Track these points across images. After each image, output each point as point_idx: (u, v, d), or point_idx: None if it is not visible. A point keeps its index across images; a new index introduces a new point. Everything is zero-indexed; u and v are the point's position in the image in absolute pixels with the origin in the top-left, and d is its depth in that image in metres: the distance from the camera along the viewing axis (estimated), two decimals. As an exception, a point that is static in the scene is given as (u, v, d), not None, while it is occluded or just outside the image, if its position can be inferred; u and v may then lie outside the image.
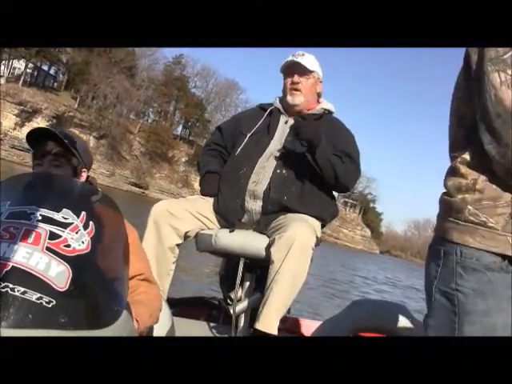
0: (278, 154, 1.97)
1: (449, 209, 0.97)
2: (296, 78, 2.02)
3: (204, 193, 2.03)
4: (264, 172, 1.94)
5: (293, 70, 2.03)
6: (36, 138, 1.26)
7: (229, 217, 1.94)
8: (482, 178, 0.94)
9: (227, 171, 2.02)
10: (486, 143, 0.90)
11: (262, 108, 2.12)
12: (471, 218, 0.93)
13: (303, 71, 2.03)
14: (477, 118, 0.92)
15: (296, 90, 2.02)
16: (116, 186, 45.48)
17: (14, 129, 41.16)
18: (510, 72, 0.87)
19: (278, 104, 2.09)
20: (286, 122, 2.06)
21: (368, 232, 73.35)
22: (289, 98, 2.03)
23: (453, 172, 0.99)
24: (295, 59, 2.02)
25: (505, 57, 0.88)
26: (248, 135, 2.03)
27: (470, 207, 0.93)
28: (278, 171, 1.95)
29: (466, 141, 0.97)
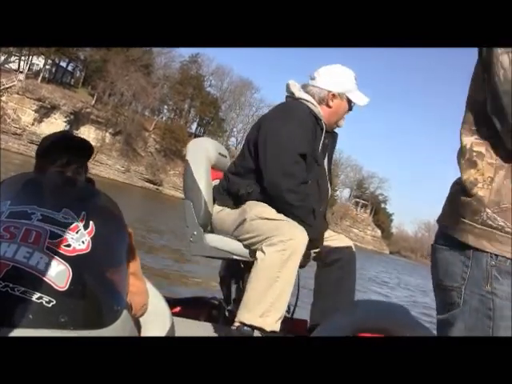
0: (328, 176, 2.10)
1: (464, 209, 0.92)
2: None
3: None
4: (327, 195, 2.10)
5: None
6: (58, 146, 1.28)
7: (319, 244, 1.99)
8: (500, 175, 0.90)
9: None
10: (497, 125, 0.88)
11: (320, 127, 2.01)
12: (489, 222, 0.89)
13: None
14: (487, 101, 0.90)
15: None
16: (131, 182, 45.97)
17: (33, 124, 41.90)
18: None
19: (325, 122, 2.02)
20: (329, 141, 2.08)
21: (378, 232, 72.82)
22: (343, 122, 2.09)
23: (470, 165, 0.93)
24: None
25: None
26: (322, 166, 2.03)
27: (488, 210, 0.89)
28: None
29: (484, 134, 0.93)
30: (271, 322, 1.72)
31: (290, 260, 1.74)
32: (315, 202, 1.94)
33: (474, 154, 0.93)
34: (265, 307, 1.72)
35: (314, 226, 1.88)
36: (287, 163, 1.86)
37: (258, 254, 1.78)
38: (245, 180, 1.96)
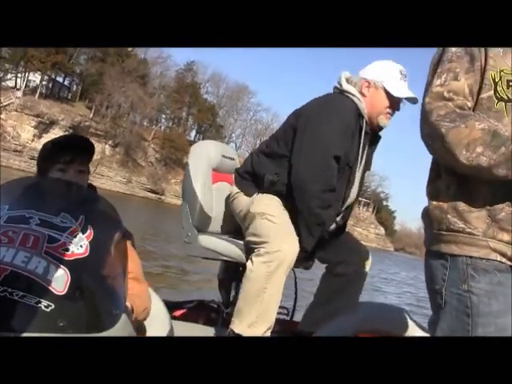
0: (360, 181, 2.00)
1: (432, 220, 0.98)
2: (399, 106, 1.93)
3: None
4: (348, 200, 1.99)
5: (402, 102, 1.92)
6: (61, 145, 1.29)
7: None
8: (455, 182, 0.96)
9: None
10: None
11: (360, 125, 1.89)
12: (451, 227, 0.95)
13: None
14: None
15: (392, 116, 1.94)
16: (133, 192, 46.03)
17: (33, 140, 42.04)
18: (438, 70, 0.95)
19: (367, 119, 1.89)
20: (368, 143, 1.95)
21: (382, 230, 72.54)
22: (384, 121, 1.92)
23: (434, 177, 1.01)
24: (414, 95, 1.88)
25: (443, 58, 0.95)
26: (353, 168, 1.91)
27: (448, 216, 0.95)
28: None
29: None
30: (258, 333, 1.72)
31: (277, 272, 1.70)
32: (334, 203, 1.87)
33: (439, 165, 1.00)
34: (253, 318, 1.72)
35: (314, 237, 1.81)
36: (320, 166, 1.79)
37: (248, 263, 1.78)
38: (273, 165, 1.86)
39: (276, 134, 1.99)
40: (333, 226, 1.98)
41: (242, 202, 1.92)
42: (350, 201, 1.99)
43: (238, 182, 1.98)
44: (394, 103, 1.90)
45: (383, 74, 1.89)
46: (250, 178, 1.93)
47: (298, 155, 1.81)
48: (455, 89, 0.93)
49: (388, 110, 1.90)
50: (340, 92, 1.94)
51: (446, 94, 0.93)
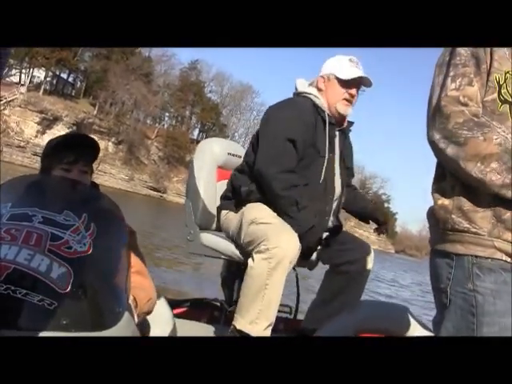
0: (340, 174, 2.02)
1: (437, 219, 0.99)
2: (354, 91, 1.98)
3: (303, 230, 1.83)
4: (334, 193, 2.00)
5: (358, 83, 1.98)
6: (66, 144, 1.29)
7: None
8: (460, 182, 0.96)
9: (312, 195, 1.90)
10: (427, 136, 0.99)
11: (322, 118, 1.95)
12: (456, 227, 0.95)
13: (361, 87, 2.01)
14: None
15: (351, 102, 1.99)
16: (135, 190, 46.11)
17: (36, 136, 42.16)
18: (444, 70, 0.96)
19: (328, 113, 1.96)
20: (338, 135, 2.01)
21: (383, 232, 72.42)
22: (343, 108, 1.97)
23: (439, 177, 1.02)
24: (364, 75, 1.95)
25: (446, 59, 0.96)
26: (326, 158, 1.93)
27: (453, 216, 0.95)
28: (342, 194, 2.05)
29: None
30: (259, 330, 1.72)
31: (278, 268, 1.70)
32: (319, 198, 1.90)
33: (444, 166, 1.00)
34: (254, 315, 1.72)
35: (298, 219, 1.80)
36: (274, 150, 1.85)
37: (249, 260, 1.78)
38: (246, 177, 1.93)
39: (247, 148, 2.06)
40: (329, 224, 1.99)
41: (233, 219, 1.95)
42: (336, 195, 2.00)
43: (222, 204, 2.02)
44: (349, 87, 1.97)
45: (334, 65, 1.99)
46: (232, 196, 1.98)
47: (259, 154, 1.88)
48: (470, 94, 0.93)
49: (344, 96, 1.97)
50: (296, 95, 2.03)
51: (461, 99, 0.93)
